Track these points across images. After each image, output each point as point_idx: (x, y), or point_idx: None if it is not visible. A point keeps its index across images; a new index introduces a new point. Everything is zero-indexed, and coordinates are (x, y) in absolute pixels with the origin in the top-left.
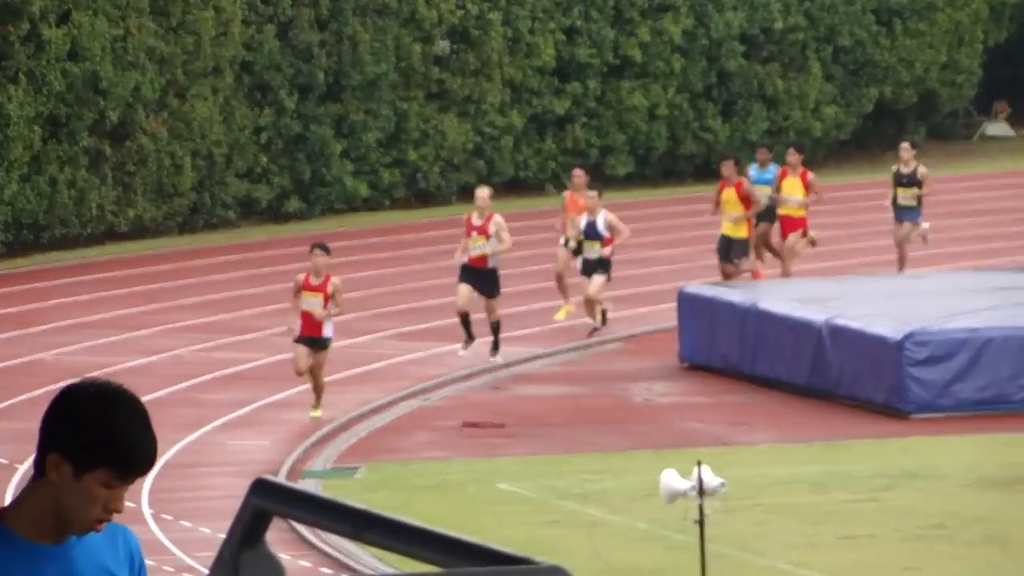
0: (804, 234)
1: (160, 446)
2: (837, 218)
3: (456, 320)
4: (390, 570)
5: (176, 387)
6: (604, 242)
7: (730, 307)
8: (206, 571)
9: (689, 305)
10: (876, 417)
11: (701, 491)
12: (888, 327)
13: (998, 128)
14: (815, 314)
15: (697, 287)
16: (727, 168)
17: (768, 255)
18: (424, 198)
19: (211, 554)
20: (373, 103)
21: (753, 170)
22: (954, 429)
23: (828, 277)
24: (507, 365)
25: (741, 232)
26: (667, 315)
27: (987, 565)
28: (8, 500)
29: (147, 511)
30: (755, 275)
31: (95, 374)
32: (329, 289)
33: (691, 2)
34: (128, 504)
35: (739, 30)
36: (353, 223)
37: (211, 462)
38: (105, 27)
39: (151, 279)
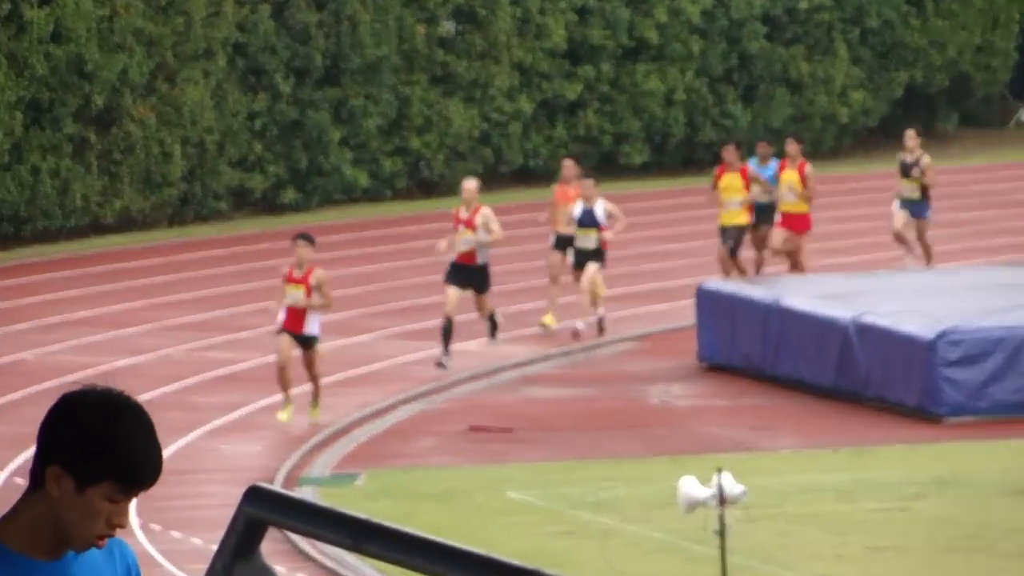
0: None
1: None
2: (864, 209)
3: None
4: None
5: (166, 389)
6: (600, 230)
7: (752, 304)
8: None
9: (708, 302)
10: (906, 421)
11: (721, 499)
12: (919, 325)
13: None
14: (842, 311)
15: (717, 282)
16: (728, 153)
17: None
18: (428, 188)
19: (203, 566)
20: (374, 87)
21: (753, 164)
22: (989, 433)
23: (855, 272)
24: (516, 366)
25: (739, 219)
26: (685, 312)
27: None
28: None
29: (135, 521)
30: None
31: (82, 375)
32: (312, 282)
33: None
34: None
35: (761, 10)
36: (352, 215)
37: (203, 468)
38: (90, 7)
39: (139, 274)
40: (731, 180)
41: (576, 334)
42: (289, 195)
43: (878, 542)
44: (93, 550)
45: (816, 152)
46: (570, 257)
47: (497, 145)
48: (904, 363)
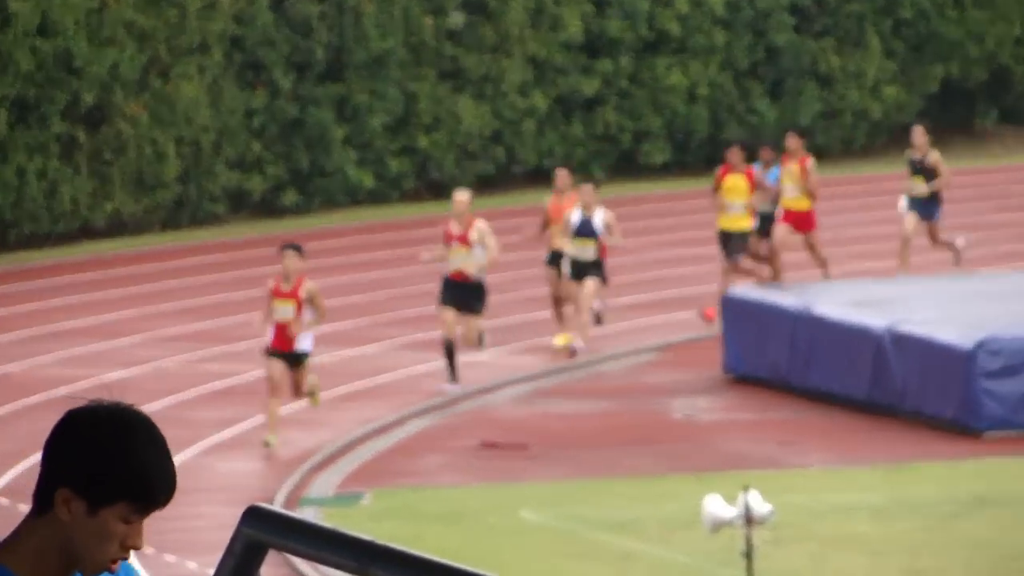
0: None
1: None
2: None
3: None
4: None
5: (159, 403)
6: (600, 240)
7: (780, 312)
8: None
9: (734, 310)
10: (944, 435)
11: (748, 520)
12: (958, 334)
13: None
14: (875, 319)
15: (743, 289)
16: (734, 155)
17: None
18: (436, 190)
19: None
20: (379, 83)
21: (756, 170)
22: None
23: (889, 277)
24: (530, 378)
25: (743, 224)
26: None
27: None
28: None
29: None
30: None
31: (71, 388)
32: (302, 295)
33: None
34: None
35: (789, 0)
36: (357, 218)
37: (198, 488)
38: None
39: (131, 282)
40: (735, 181)
41: (573, 353)
42: (290, 197)
43: (915, 564)
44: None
45: (847, 150)
46: (565, 268)
47: (509, 144)
48: (942, 374)
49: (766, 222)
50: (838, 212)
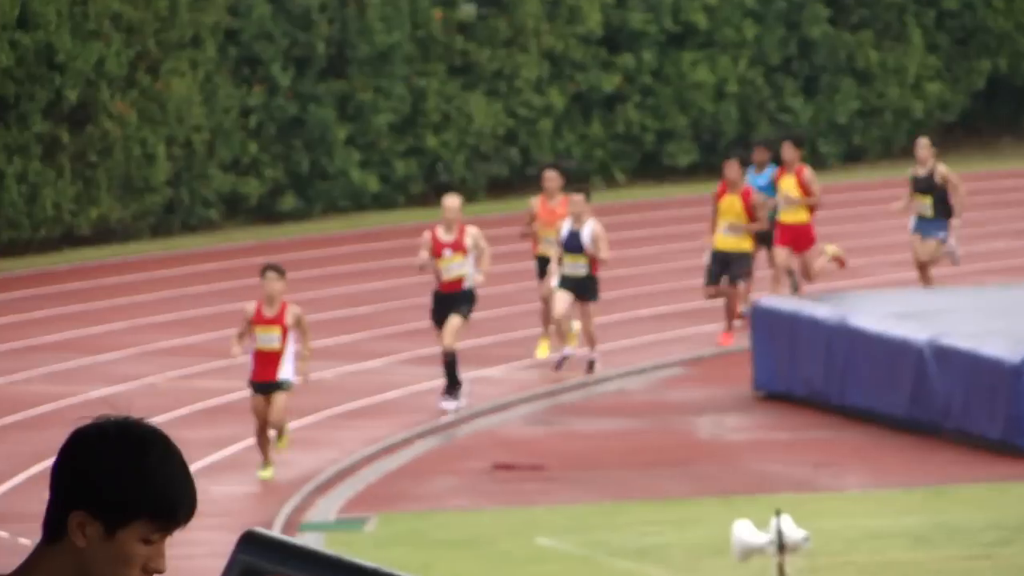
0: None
1: None
2: None
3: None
4: None
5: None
6: (590, 256)
7: (814, 324)
8: None
9: (765, 322)
10: (990, 456)
11: (781, 546)
12: (1004, 347)
13: None
14: (916, 332)
15: (774, 300)
16: (732, 169)
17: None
18: (446, 193)
19: None
20: (384, 79)
21: (749, 175)
22: None
23: (931, 287)
24: (547, 395)
25: (744, 245)
26: (738, 334)
27: None
28: None
29: None
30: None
31: (54, 406)
32: (288, 320)
33: None
34: None
35: None
36: (360, 224)
37: None
38: None
39: (118, 292)
40: (731, 203)
41: (559, 366)
42: (288, 202)
43: None
44: None
45: (887, 151)
46: (554, 282)
47: (524, 144)
48: (987, 390)
49: (765, 240)
50: (874, 217)
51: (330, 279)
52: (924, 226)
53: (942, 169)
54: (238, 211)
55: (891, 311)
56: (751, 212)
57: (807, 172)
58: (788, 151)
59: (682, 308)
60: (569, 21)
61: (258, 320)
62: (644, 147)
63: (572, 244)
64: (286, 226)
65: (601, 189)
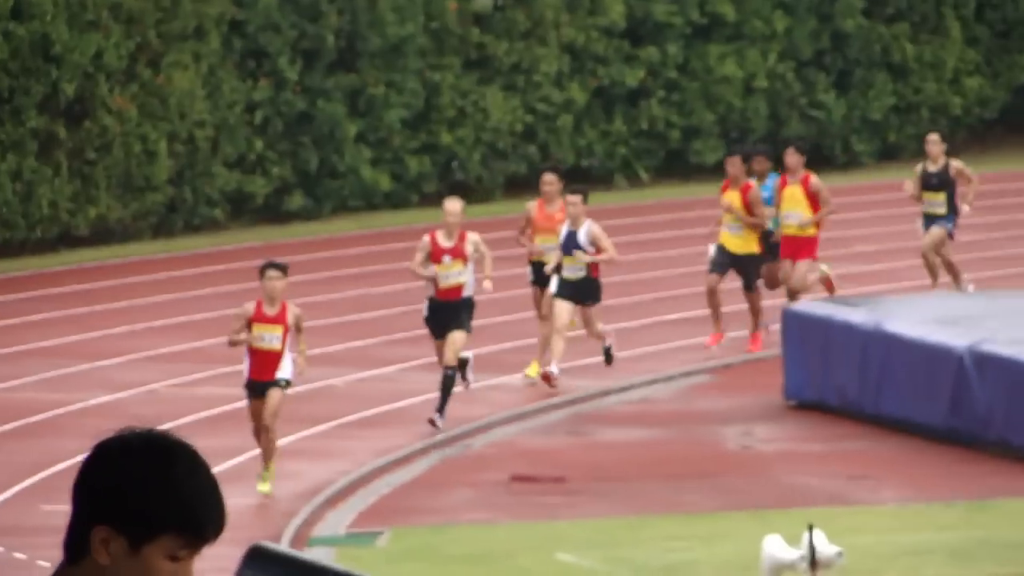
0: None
1: None
2: (982, 217)
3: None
4: None
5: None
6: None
7: (848, 329)
8: None
9: (797, 327)
10: None
11: (813, 562)
12: None
13: None
14: (956, 338)
15: (807, 304)
16: (734, 166)
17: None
18: (461, 192)
19: None
20: (397, 73)
21: (754, 187)
22: None
23: (972, 292)
24: (568, 403)
25: (750, 247)
26: (769, 340)
27: None
28: None
29: None
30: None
31: (52, 414)
32: (290, 320)
33: None
34: None
35: None
36: (372, 224)
37: None
38: None
39: (118, 294)
40: (732, 199)
41: (548, 377)
42: (296, 201)
43: None
44: None
45: (923, 149)
46: (551, 287)
47: (543, 141)
48: None
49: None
50: (911, 218)
51: (339, 282)
52: (934, 222)
53: (956, 163)
54: (243, 211)
55: (929, 316)
56: (749, 207)
57: (814, 180)
58: (791, 158)
59: (707, 313)
60: (590, 12)
61: (258, 319)
62: (669, 144)
63: (570, 246)
64: (294, 226)
65: (624, 188)
